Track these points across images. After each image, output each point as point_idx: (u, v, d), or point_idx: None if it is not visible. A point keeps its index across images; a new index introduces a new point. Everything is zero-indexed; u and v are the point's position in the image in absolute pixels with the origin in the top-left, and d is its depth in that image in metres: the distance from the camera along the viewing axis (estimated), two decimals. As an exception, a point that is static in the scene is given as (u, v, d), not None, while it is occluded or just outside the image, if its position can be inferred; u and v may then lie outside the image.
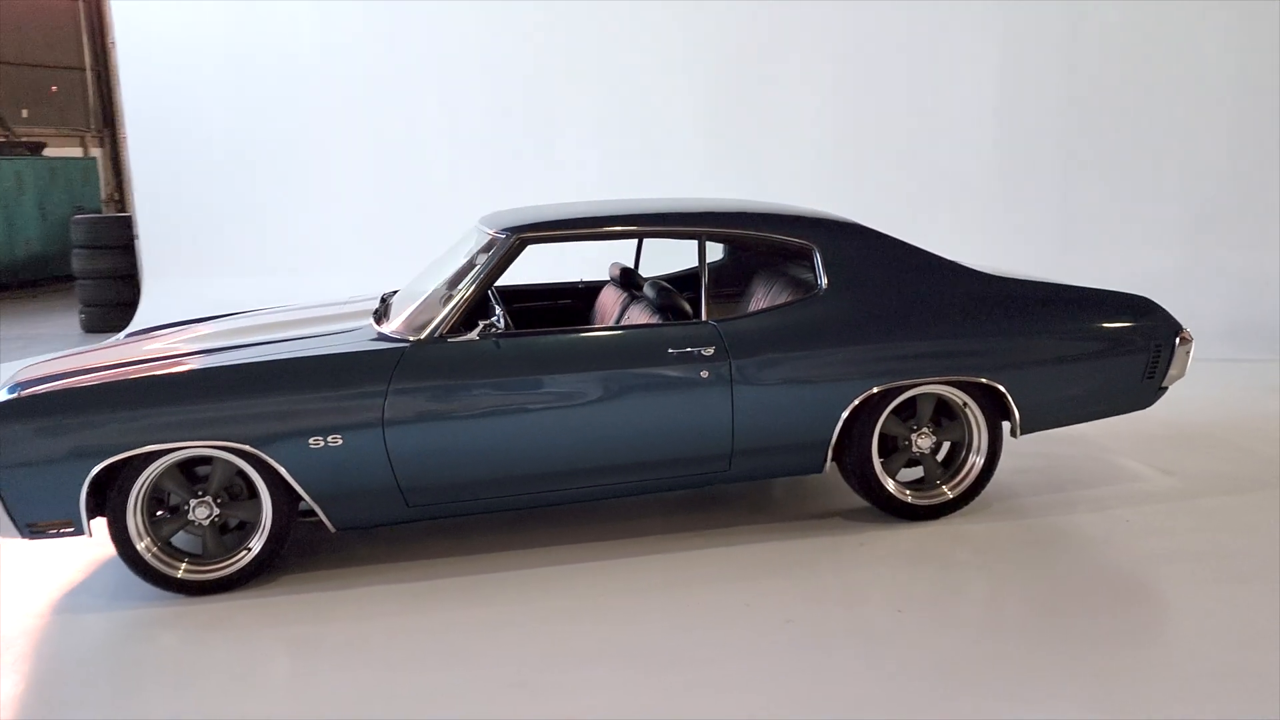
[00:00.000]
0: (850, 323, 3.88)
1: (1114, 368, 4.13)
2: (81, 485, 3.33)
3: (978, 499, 4.18)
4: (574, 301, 5.04)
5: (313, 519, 3.62)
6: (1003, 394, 4.00)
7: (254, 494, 3.56)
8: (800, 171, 8.22)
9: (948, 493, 4.12)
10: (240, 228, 9.11)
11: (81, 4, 18.31)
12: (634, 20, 8.33)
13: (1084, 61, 7.79)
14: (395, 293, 4.38)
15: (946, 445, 4.19)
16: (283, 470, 3.45)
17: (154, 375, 3.48)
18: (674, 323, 3.90)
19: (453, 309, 3.65)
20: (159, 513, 3.56)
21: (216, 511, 3.56)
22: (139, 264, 9.46)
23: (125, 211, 10.01)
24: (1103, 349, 4.11)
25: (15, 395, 3.42)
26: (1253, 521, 4.05)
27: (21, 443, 3.32)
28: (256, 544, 3.60)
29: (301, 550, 3.97)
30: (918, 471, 4.15)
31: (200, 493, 3.53)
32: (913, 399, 4.01)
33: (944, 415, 4.11)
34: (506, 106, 8.60)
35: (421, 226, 8.31)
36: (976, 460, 4.12)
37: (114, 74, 9.41)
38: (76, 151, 18.05)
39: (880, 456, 3.99)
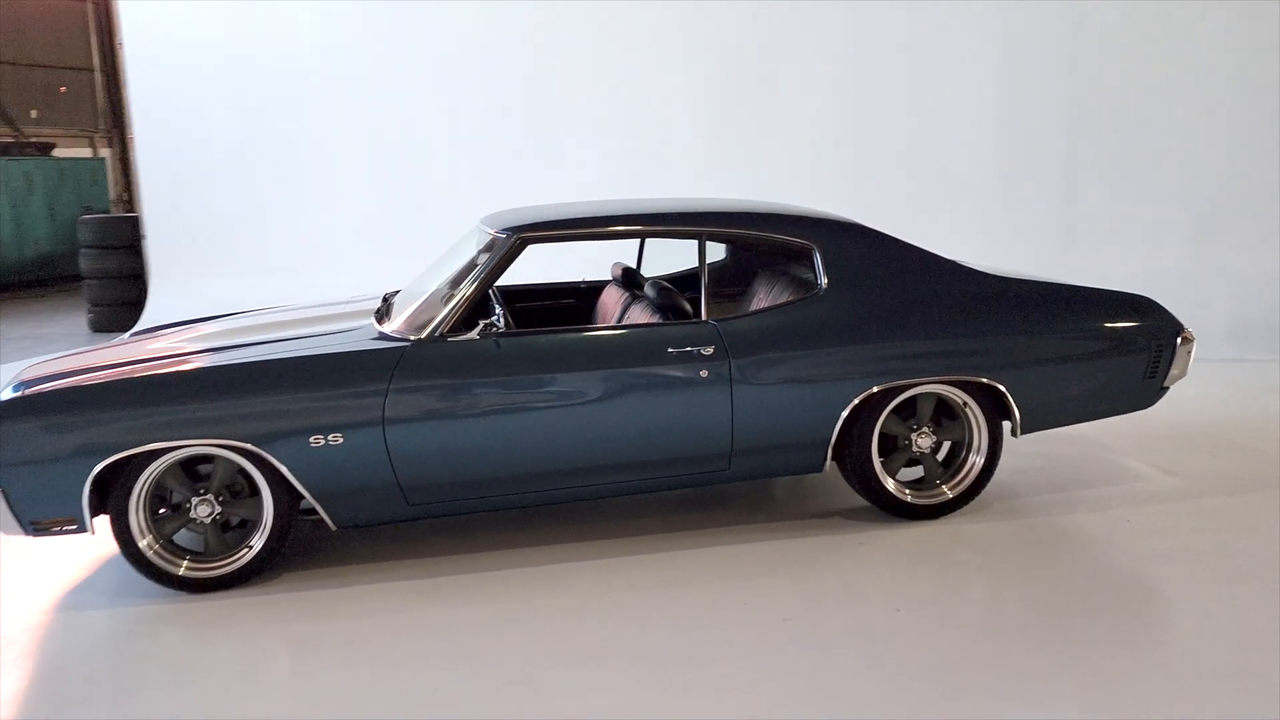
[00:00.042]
0: (850, 322, 3.88)
1: (1115, 367, 4.13)
2: (84, 483, 3.35)
3: (978, 499, 4.18)
4: (575, 301, 5.05)
5: (314, 517, 3.63)
6: (1003, 394, 4.00)
7: (255, 492, 3.58)
8: (800, 171, 8.22)
9: (948, 492, 4.13)
10: (245, 228, 9.13)
11: (90, 4, 18.32)
12: (634, 20, 8.34)
13: (1084, 61, 7.79)
14: (398, 292, 4.39)
15: (947, 445, 4.20)
16: (284, 469, 3.47)
17: (156, 374, 3.50)
18: (674, 322, 3.90)
19: (453, 308, 3.66)
20: (161, 510, 3.57)
21: (218, 509, 3.57)
22: (146, 264, 9.48)
23: (134, 212, 10.03)
24: (1104, 349, 4.11)
25: (19, 393, 3.44)
26: (1254, 521, 4.06)
27: (25, 440, 3.33)
28: (258, 542, 3.61)
29: (303, 548, 3.98)
30: (918, 471, 4.15)
31: (202, 491, 3.55)
32: (913, 398, 4.01)
33: (944, 415, 4.11)
34: (507, 106, 8.61)
35: (422, 226, 8.31)
36: (977, 460, 4.12)
37: (122, 75, 9.42)
38: (85, 152, 18.07)
39: (880, 456, 4.00)
